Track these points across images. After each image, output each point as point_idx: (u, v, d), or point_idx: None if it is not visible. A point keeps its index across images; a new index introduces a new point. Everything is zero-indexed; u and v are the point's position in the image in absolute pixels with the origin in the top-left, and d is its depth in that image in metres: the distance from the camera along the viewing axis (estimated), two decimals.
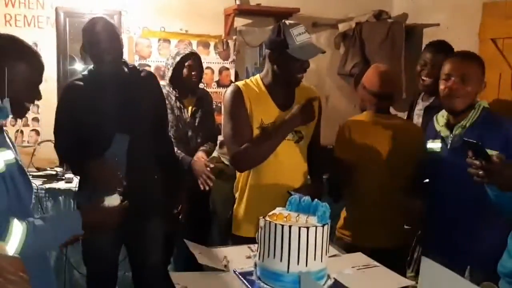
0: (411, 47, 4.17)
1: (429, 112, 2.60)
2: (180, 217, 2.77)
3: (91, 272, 2.48)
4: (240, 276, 1.59)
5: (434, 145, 2.14)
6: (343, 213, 2.48)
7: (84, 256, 2.46)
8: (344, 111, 4.13)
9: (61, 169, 3.50)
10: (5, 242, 1.33)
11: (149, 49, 3.95)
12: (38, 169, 3.46)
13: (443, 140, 2.09)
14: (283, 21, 2.16)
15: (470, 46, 3.49)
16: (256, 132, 2.17)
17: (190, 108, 3.05)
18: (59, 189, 3.21)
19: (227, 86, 4.17)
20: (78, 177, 2.51)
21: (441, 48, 2.75)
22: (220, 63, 4.14)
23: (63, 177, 3.38)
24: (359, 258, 1.83)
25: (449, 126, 2.07)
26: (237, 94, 2.18)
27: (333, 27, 4.35)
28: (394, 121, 2.45)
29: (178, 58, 3.01)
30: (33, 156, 3.51)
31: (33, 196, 1.58)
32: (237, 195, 2.27)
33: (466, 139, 1.63)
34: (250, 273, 1.61)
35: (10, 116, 1.49)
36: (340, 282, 1.58)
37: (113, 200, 1.65)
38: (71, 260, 3.19)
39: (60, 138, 2.36)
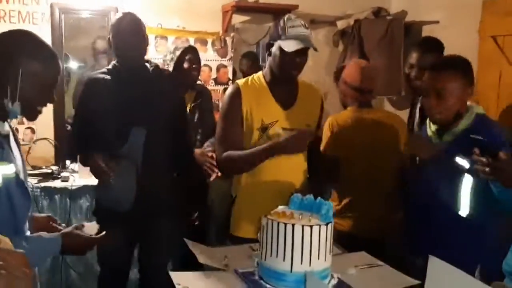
0: (410, 45, 4.12)
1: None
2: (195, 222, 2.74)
3: (105, 270, 2.47)
4: (242, 276, 1.56)
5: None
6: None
7: (98, 255, 2.44)
8: (342, 108, 4.10)
9: (57, 167, 3.46)
10: None
11: None
12: (34, 168, 3.41)
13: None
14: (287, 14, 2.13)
15: (470, 43, 3.50)
16: (256, 134, 2.13)
17: (189, 103, 3.03)
18: (54, 187, 3.17)
19: (225, 83, 4.14)
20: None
21: (429, 48, 2.65)
22: (217, 60, 4.10)
23: (59, 176, 3.33)
24: (362, 257, 1.80)
25: (440, 132, 1.99)
26: (235, 96, 2.16)
27: (331, 24, 4.33)
28: (377, 114, 2.53)
29: (178, 53, 3.00)
30: (28, 155, 3.46)
31: (30, 210, 1.54)
32: (235, 194, 2.24)
33: (473, 136, 1.61)
34: (252, 273, 1.57)
35: (19, 117, 1.46)
36: (345, 281, 1.54)
37: (90, 229, 1.66)
38: (67, 260, 3.16)
39: (78, 130, 2.39)
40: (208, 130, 3.09)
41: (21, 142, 1.66)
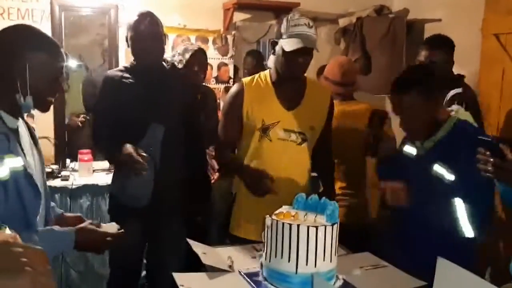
0: (412, 43, 4.11)
1: None
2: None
3: (117, 270, 2.45)
4: (246, 277, 1.54)
5: (410, 149, 2.02)
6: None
7: (111, 253, 2.43)
8: None
9: (57, 166, 3.44)
10: None
11: None
12: None
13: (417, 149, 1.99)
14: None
15: (473, 41, 3.47)
16: (257, 134, 2.12)
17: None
18: (55, 186, 3.13)
19: (226, 82, 4.12)
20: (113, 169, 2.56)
21: (437, 44, 2.61)
22: (218, 58, 4.07)
23: (59, 175, 3.31)
24: (367, 257, 1.78)
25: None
26: (237, 94, 2.17)
27: (333, 22, 4.30)
28: (360, 106, 2.70)
29: (187, 55, 2.99)
30: None
31: (41, 205, 1.50)
32: (235, 192, 2.22)
33: (480, 137, 1.59)
34: (256, 274, 1.55)
35: (33, 110, 1.48)
36: (350, 283, 1.52)
37: (109, 228, 1.65)
38: (67, 260, 3.14)
39: (98, 126, 2.41)
40: (212, 131, 3.08)
41: None
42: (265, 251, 1.53)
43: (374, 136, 2.46)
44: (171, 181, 2.29)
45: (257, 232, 1.64)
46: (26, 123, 1.60)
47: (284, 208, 1.59)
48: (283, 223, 1.45)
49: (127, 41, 2.32)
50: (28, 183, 1.43)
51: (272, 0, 4.02)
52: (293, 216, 1.53)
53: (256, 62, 3.92)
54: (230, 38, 4.09)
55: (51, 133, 3.60)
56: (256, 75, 2.22)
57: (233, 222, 2.19)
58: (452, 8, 3.83)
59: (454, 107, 2.15)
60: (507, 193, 1.66)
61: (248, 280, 1.52)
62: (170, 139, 2.27)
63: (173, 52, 3.21)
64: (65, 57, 1.54)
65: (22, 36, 1.47)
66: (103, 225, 1.66)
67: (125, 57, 3.75)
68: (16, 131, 1.46)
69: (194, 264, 1.69)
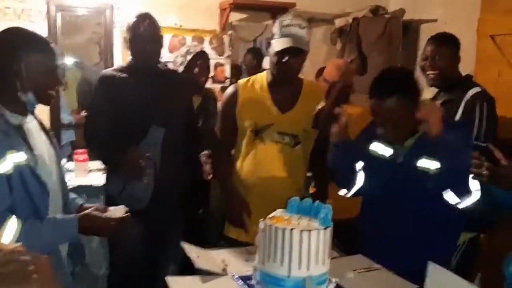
0: (408, 43, 4.14)
1: (444, 107, 2.31)
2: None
3: (115, 272, 2.47)
4: (239, 281, 1.55)
5: (384, 150, 1.95)
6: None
7: (111, 256, 2.46)
8: None
9: None
10: None
11: None
12: None
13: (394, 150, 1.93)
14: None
15: (469, 42, 3.48)
16: (249, 136, 2.12)
17: (196, 106, 2.99)
18: None
19: (222, 82, 4.12)
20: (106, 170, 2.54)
21: (442, 40, 2.56)
22: (215, 58, 4.07)
23: None
24: (360, 260, 1.79)
25: None
26: (231, 96, 2.19)
27: (329, 23, 4.32)
28: (355, 109, 2.59)
29: (189, 57, 2.98)
30: None
31: (49, 200, 1.56)
32: None
33: (475, 142, 1.60)
34: (249, 278, 1.56)
35: (37, 104, 1.58)
36: (343, 286, 1.53)
37: (117, 212, 1.66)
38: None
39: (94, 126, 2.38)
40: (212, 135, 3.07)
41: None
42: (258, 254, 1.53)
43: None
44: (172, 182, 2.30)
45: (252, 235, 1.65)
46: (38, 120, 1.69)
47: (278, 212, 1.59)
48: (276, 228, 1.45)
49: (126, 42, 2.34)
50: (33, 177, 1.49)
51: (268, 0, 4.02)
52: (287, 220, 1.52)
53: (256, 60, 3.93)
54: (226, 38, 4.09)
55: None
56: (253, 77, 2.22)
57: (228, 224, 2.20)
58: (448, 8, 3.84)
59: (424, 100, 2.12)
60: (501, 196, 1.68)
61: (241, 283, 1.53)
62: (170, 141, 2.28)
63: (176, 53, 3.21)
64: (58, 51, 1.63)
65: (14, 38, 1.56)
66: (110, 208, 1.68)
67: (121, 56, 3.75)
68: (19, 128, 1.54)
69: (191, 267, 1.69)
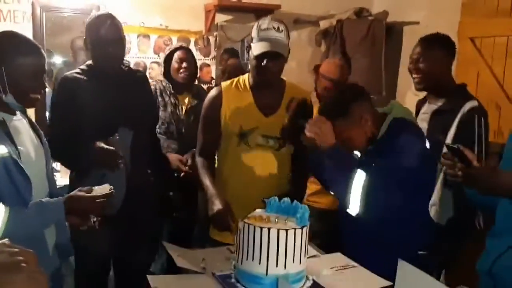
0: (392, 45, 4.21)
1: (438, 117, 2.31)
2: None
3: (82, 277, 2.40)
4: (218, 279, 1.58)
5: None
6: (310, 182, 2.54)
7: (76, 258, 2.34)
8: None
9: None
10: None
11: (128, 44, 3.88)
12: None
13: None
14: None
15: None
16: (234, 140, 2.13)
17: (185, 105, 3.02)
18: None
19: (208, 82, 4.16)
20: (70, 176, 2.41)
21: (429, 42, 2.40)
22: (200, 59, 4.11)
23: None
24: (338, 258, 1.84)
25: None
26: (215, 99, 2.17)
27: (314, 24, 4.36)
28: None
29: (167, 52, 3.02)
30: None
31: (32, 190, 1.60)
32: None
33: (447, 143, 1.65)
34: (229, 276, 1.60)
35: (17, 105, 1.62)
36: (319, 283, 1.58)
37: (102, 190, 1.68)
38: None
39: (58, 133, 2.23)
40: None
41: None
42: (237, 253, 1.58)
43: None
44: (143, 185, 2.27)
45: (233, 236, 1.67)
46: (29, 119, 1.76)
47: (257, 212, 1.64)
48: (254, 227, 1.50)
49: (85, 44, 2.21)
50: (16, 168, 1.54)
51: (252, 2, 4.05)
52: (265, 220, 1.57)
53: (233, 60, 3.96)
54: (212, 39, 4.13)
55: None
56: (235, 79, 2.22)
57: (213, 227, 2.21)
58: (430, 11, 3.91)
59: (394, 101, 2.10)
60: (474, 197, 1.73)
61: (221, 281, 1.57)
62: (138, 143, 2.21)
63: (161, 54, 3.24)
64: (44, 55, 1.67)
65: (1, 43, 1.61)
66: (94, 188, 1.69)
67: None
68: (2, 124, 1.58)
69: (174, 267, 1.73)
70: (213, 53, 4.15)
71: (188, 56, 3.01)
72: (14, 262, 0.70)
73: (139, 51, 3.92)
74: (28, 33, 3.56)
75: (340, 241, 2.02)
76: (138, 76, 2.46)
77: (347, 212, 1.90)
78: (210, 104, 2.19)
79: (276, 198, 1.69)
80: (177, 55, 2.98)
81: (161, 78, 3.08)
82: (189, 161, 2.87)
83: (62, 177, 3.30)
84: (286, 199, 1.67)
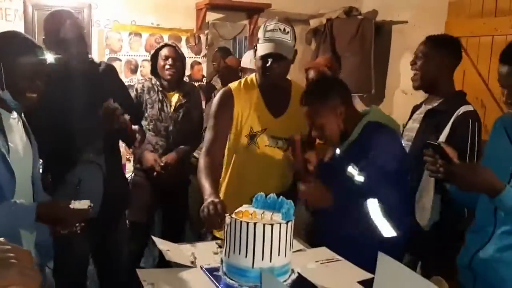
0: (381, 43, 4.26)
1: (431, 117, 2.27)
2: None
3: (61, 280, 2.34)
4: (206, 272, 1.63)
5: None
6: None
7: (55, 265, 2.23)
8: None
9: None
10: None
11: (120, 43, 3.93)
12: None
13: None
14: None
15: None
16: (244, 140, 2.14)
17: (174, 102, 3.04)
18: None
19: (199, 80, 4.19)
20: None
21: (431, 42, 2.33)
22: (192, 57, 4.15)
23: None
24: (323, 252, 1.89)
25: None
26: (227, 99, 2.14)
27: (304, 23, 4.41)
28: None
29: (153, 51, 3.06)
30: None
31: (15, 187, 1.61)
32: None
33: (429, 141, 1.69)
34: (216, 269, 1.64)
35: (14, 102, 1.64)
36: (304, 276, 1.63)
37: (81, 205, 1.67)
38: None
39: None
40: (192, 129, 3.10)
41: None
42: (224, 247, 1.62)
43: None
44: (119, 188, 2.25)
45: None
46: (23, 120, 1.77)
47: (243, 207, 1.69)
48: (241, 222, 1.54)
49: (44, 43, 2.08)
50: (3, 163, 1.56)
51: (244, 1, 4.08)
52: (251, 215, 1.62)
53: (224, 59, 3.99)
54: (203, 38, 4.16)
55: None
56: (242, 81, 2.21)
57: None
58: (418, 10, 3.97)
59: (374, 106, 2.14)
60: (456, 193, 1.79)
61: (209, 275, 1.62)
62: (112, 144, 2.17)
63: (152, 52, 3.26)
64: (45, 56, 1.69)
65: (4, 42, 1.65)
66: (73, 202, 1.67)
67: (98, 54, 3.80)
68: None
69: (164, 262, 1.76)
70: (204, 51, 4.19)
71: (174, 53, 3.01)
72: (4, 258, 0.72)
73: (131, 49, 3.95)
74: (20, 31, 3.58)
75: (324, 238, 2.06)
76: (102, 69, 2.34)
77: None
78: (222, 104, 2.15)
79: (263, 194, 1.74)
80: (163, 52, 2.99)
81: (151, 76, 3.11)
82: (164, 161, 2.93)
83: None
84: (273, 195, 1.72)
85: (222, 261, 1.65)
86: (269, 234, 1.52)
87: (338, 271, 1.73)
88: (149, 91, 3.00)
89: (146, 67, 4.00)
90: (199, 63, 4.20)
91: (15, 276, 0.70)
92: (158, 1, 4.00)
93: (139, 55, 4.00)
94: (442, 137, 2.16)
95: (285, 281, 1.55)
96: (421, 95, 2.52)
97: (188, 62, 4.12)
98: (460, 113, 2.17)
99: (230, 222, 1.58)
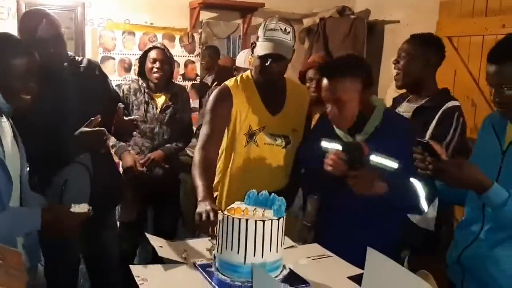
0: (373, 43, 4.30)
1: (420, 114, 2.27)
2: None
3: (52, 278, 2.34)
4: (199, 268, 1.65)
5: (332, 145, 1.99)
6: None
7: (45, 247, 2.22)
8: None
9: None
10: None
11: (114, 41, 3.94)
12: None
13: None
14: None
15: None
16: (243, 139, 2.14)
17: (161, 104, 3.03)
18: None
19: (193, 79, 4.21)
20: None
21: (415, 41, 2.34)
22: (185, 56, 4.16)
23: None
24: (315, 249, 1.91)
25: (351, 131, 1.96)
26: (225, 97, 2.13)
27: (298, 22, 4.42)
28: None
29: (141, 53, 3.05)
30: None
31: (12, 190, 1.61)
32: (215, 194, 2.22)
33: (418, 139, 1.71)
34: (209, 265, 1.66)
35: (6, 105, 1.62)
36: (295, 272, 1.65)
37: (80, 208, 1.69)
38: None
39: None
40: (179, 130, 3.09)
41: None
42: (217, 244, 1.64)
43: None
44: (109, 187, 2.23)
45: None
46: (11, 123, 1.74)
47: (236, 204, 1.71)
48: (233, 218, 1.56)
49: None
50: (2, 168, 1.56)
51: (237, 0, 4.10)
52: (243, 211, 1.64)
53: (211, 58, 4.01)
54: (196, 36, 4.18)
55: None
56: (238, 78, 2.20)
57: None
58: (410, 10, 4.01)
59: (375, 96, 2.09)
60: (443, 190, 1.82)
61: (201, 271, 1.63)
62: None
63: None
64: (36, 58, 1.68)
65: None
66: (73, 205, 1.69)
67: (91, 52, 3.80)
68: None
69: (157, 259, 1.78)
70: (197, 50, 4.20)
71: (162, 56, 2.97)
72: None
73: (124, 48, 3.95)
74: (13, 30, 3.57)
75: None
76: (83, 67, 2.29)
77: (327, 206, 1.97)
78: (219, 100, 2.14)
79: (255, 191, 1.76)
80: (151, 55, 2.97)
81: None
82: (151, 157, 2.94)
83: None
84: (265, 192, 1.74)
85: (214, 257, 1.67)
86: (260, 231, 1.54)
87: (329, 267, 1.75)
88: (136, 93, 2.99)
89: None
90: (193, 62, 4.21)
91: (0, 274, 0.71)
92: (152, 0, 4.01)
93: (133, 54, 4.01)
94: (429, 131, 2.19)
95: (276, 276, 1.57)
96: None
97: (182, 61, 4.15)
98: (448, 107, 2.21)
99: (223, 219, 1.59)
